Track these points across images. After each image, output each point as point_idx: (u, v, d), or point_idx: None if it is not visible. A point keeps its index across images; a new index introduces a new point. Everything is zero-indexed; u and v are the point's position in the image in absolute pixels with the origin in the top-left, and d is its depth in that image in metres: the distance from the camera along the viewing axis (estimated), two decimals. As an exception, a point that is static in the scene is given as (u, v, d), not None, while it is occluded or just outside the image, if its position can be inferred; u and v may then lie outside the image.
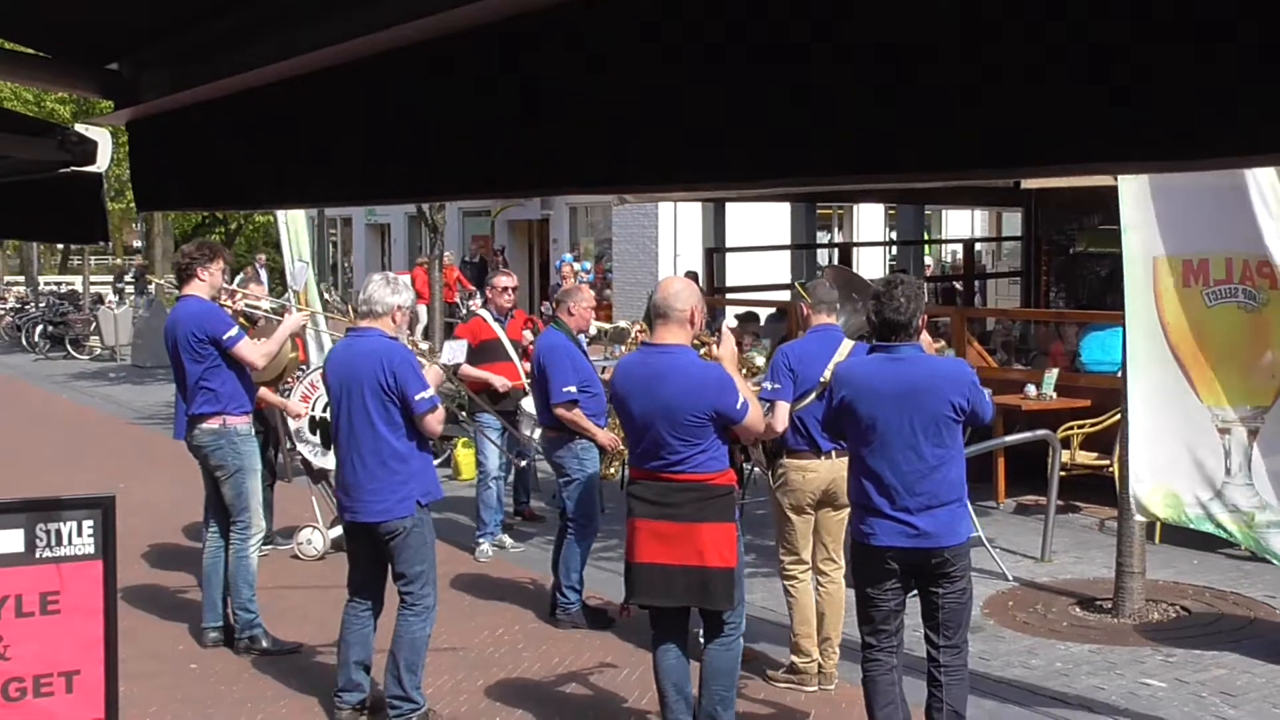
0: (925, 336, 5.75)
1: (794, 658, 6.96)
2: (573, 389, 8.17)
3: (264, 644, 7.64)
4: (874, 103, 1.20)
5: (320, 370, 9.67)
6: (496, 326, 10.16)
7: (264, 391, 8.85)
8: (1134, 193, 7.10)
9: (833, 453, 6.66)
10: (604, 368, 10.43)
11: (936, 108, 1.17)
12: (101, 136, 3.00)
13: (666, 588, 5.67)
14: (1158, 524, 9.77)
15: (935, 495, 5.30)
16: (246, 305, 8.42)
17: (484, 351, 9.97)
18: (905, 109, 1.19)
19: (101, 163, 3.01)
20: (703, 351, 5.83)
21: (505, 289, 10.37)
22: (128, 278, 36.55)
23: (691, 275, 20.94)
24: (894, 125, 1.20)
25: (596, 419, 8.35)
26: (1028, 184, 11.23)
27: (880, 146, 1.22)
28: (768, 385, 6.50)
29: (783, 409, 6.46)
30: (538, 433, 9.65)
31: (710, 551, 5.60)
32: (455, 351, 9.87)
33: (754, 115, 1.30)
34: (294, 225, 12.72)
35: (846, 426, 5.55)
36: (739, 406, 5.59)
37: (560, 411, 8.18)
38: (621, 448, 8.51)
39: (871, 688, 5.54)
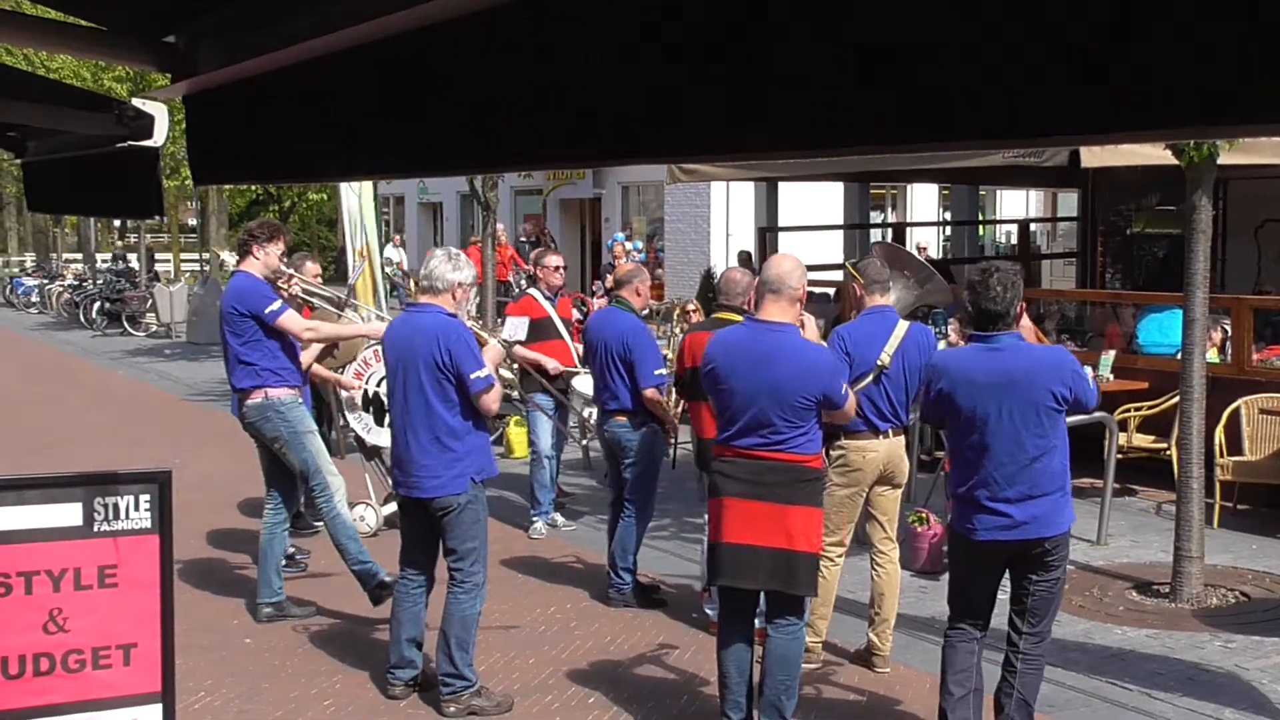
0: (1027, 323, 5.65)
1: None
2: (663, 371, 8.16)
3: (386, 579, 7.47)
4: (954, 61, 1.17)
5: (374, 347, 9.70)
6: (548, 305, 10.15)
7: (317, 367, 8.87)
8: None
9: (889, 431, 6.66)
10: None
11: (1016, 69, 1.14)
12: (158, 111, 2.99)
13: (754, 570, 5.60)
14: (1216, 508, 9.66)
15: (1036, 485, 5.24)
16: (302, 289, 8.38)
17: (536, 330, 9.97)
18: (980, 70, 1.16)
19: (158, 137, 3.01)
20: None
21: (557, 268, 10.35)
22: (131, 257, 36.66)
23: (745, 255, 20.89)
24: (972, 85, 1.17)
25: None
26: (1086, 164, 11.08)
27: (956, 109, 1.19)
28: None
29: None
30: (587, 411, 9.63)
31: (799, 535, 5.55)
32: (517, 328, 9.89)
33: (821, 79, 1.26)
34: (360, 210, 12.75)
35: (947, 418, 5.48)
36: (843, 392, 5.57)
37: (651, 394, 8.13)
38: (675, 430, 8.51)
39: (950, 654, 5.51)
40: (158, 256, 39.35)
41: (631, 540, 8.21)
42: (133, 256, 36.68)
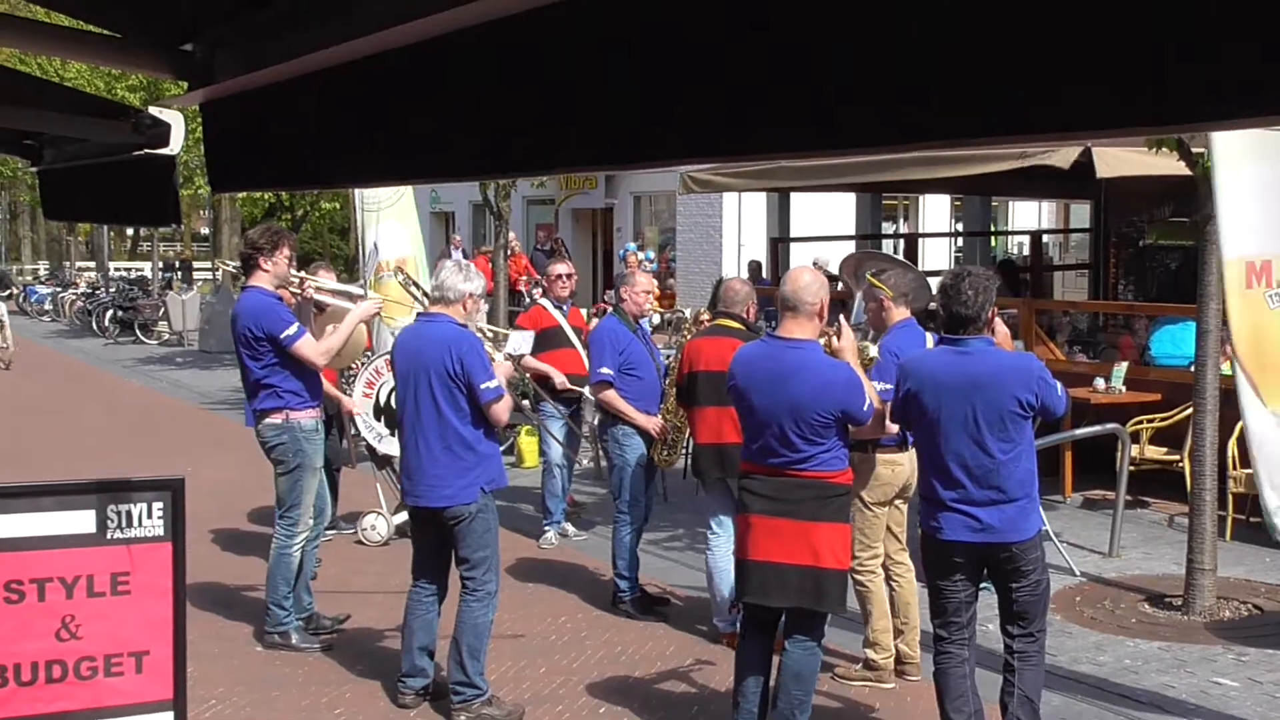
0: (1003, 329, 5.64)
1: (871, 653, 6.84)
2: (607, 370, 8.21)
3: (294, 640, 7.52)
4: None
5: (385, 356, 9.69)
6: (558, 314, 10.15)
7: (326, 385, 8.75)
8: (1229, 182, 6.96)
9: (912, 443, 6.64)
10: (667, 355, 10.40)
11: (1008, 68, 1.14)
12: (174, 119, 3.00)
13: (780, 587, 5.58)
14: (1229, 520, 9.63)
15: (1002, 490, 5.24)
16: (315, 293, 8.20)
17: (546, 339, 9.96)
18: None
19: (174, 145, 3.01)
20: (823, 342, 5.73)
21: (559, 276, 10.37)
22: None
23: (755, 265, 20.89)
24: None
25: (644, 404, 8.30)
26: (1100, 174, 11.05)
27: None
28: (878, 385, 6.36)
29: None
30: (596, 418, 9.67)
31: (825, 552, 5.53)
32: (521, 342, 9.86)
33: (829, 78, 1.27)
34: (398, 213, 12.76)
35: (913, 418, 5.49)
36: (865, 409, 5.53)
37: (592, 391, 8.29)
38: (669, 434, 8.44)
39: (943, 680, 5.49)
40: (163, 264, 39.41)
41: (621, 546, 8.23)
42: (177, 263, 36.79)
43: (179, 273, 35.71)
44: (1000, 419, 5.23)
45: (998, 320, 5.58)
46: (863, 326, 6.92)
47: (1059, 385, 5.45)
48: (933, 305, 6.63)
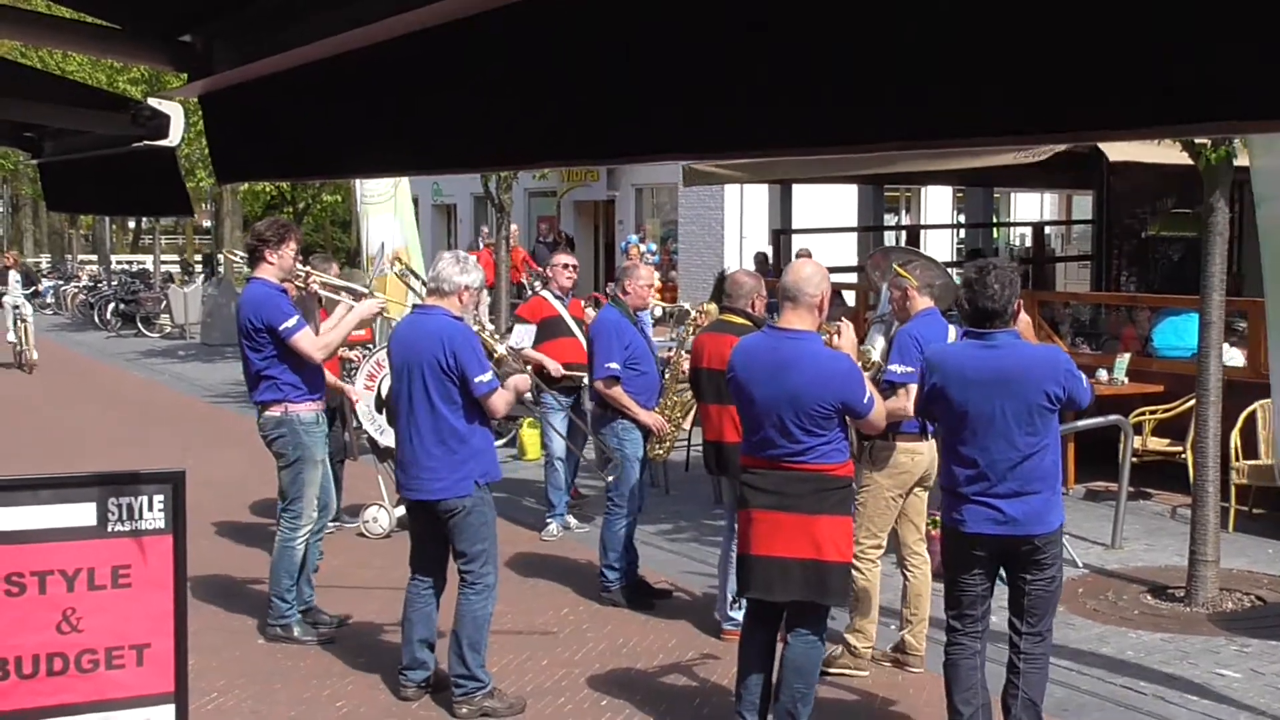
0: (1025, 319, 5.62)
1: (851, 639, 6.84)
2: (615, 365, 8.18)
3: (296, 632, 7.52)
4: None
5: (386, 348, 9.68)
6: (558, 304, 10.15)
7: (328, 376, 8.73)
8: (1270, 167, 6.91)
9: (933, 433, 6.63)
10: (668, 349, 10.40)
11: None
12: (174, 110, 2.99)
13: (784, 582, 5.57)
14: (1231, 511, 9.62)
15: (1027, 483, 5.23)
16: (319, 288, 8.15)
17: (546, 329, 9.98)
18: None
19: (174, 136, 3.00)
20: (825, 339, 5.73)
21: (565, 266, 10.36)
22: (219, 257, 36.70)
23: (761, 257, 20.86)
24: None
25: (644, 398, 8.31)
26: (1112, 158, 11.04)
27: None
28: (897, 368, 6.29)
29: (914, 391, 6.30)
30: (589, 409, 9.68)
31: (827, 545, 5.51)
32: (522, 335, 9.89)
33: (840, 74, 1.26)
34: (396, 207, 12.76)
35: (939, 413, 5.47)
36: (865, 400, 5.52)
37: (600, 386, 8.26)
38: (668, 430, 8.46)
39: (952, 672, 5.48)
40: (165, 258, 39.35)
41: (613, 538, 8.22)
42: (221, 258, 36.62)
43: (201, 266, 35.61)
44: (1029, 413, 5.21)
45: (1020, 311, 5.56)
46: (887, 318, 6.92)
47: (1084, 377, 5.44)
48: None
